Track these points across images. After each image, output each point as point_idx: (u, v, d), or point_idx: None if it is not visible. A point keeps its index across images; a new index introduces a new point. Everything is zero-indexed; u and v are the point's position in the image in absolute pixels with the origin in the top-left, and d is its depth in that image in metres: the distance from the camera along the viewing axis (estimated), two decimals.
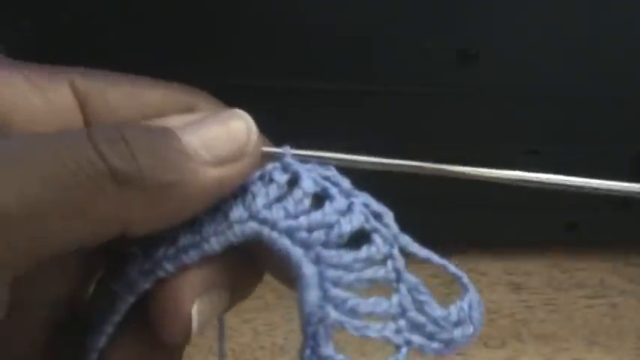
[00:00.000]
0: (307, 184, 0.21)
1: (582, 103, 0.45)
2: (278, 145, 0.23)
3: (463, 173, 0.25)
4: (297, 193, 0.21)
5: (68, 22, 0.39)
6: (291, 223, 0.20)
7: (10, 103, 0.19)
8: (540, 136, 0.47)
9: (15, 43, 0.39)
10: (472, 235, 0.49)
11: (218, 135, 0.20)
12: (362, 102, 0.43)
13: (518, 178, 0.24)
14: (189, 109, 0.22)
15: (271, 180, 0.21)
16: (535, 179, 0.24)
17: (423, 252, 0.22)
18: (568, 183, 0.24)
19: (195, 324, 0.20)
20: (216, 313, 0.22)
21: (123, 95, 0.21)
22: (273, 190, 0.21)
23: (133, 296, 0.21)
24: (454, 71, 0.43)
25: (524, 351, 0.45)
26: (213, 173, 0.19)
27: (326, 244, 0.20)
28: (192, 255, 0.20)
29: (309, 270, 0.20)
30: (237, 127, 0.21)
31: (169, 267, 0.20)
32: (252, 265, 0.23)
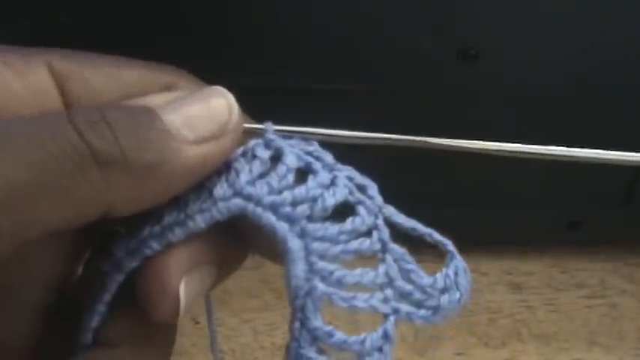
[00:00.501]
0: (290, 160, 0.21)
1: (582, 103, 0.45)
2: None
3: (450, 146, 0.25)
4: (281, 168, 0.21)
5: (68, 22, 0.39)
6: (275, 198, 0.20)
7: None
8: (540, 136, 0.47)
9: (15, 43, 0.39)
10: (472, 235, 0.49)
11: (199, 113, 0.20)
12: (362, 102, 0.43)
13: (510, 149, 0.25)
14: (170, 88, 0.22)
15: (254, 156, 0.21)
16: (526, 150, 0.24)
17: (407, 222, 0.23)
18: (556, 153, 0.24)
19: (182, 301, 0.20)
20: (204, 289, 0.22)
21: (102, 76, 0.21)
22: (257, 167, 0.21)
23: (121, 275, 0.21)
24: (454, 71, 0.43)
25: (525, 351, 0.45)
26: (196, 151, 0.19)
27: (310, 218, 0.20)
28: (178, 233, 0.20)
29: (294, 244, 0.20)
30: (219, 104, 0.21)
31: (155, 245, 0.20)
32: (238, 241, 0.23)
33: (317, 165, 0.22)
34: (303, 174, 0.22)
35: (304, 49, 0.42)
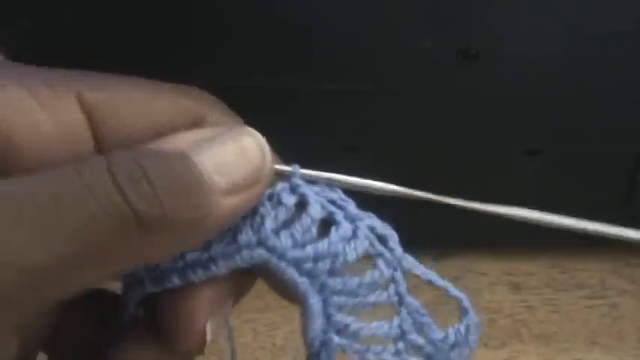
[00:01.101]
0: (314, 211, 0.21)
1: (582, 103, 0.45)
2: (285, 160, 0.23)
3: (478, 209, 0.25)
4: (305, 220, 0.21)
5: (68, 22, 0.39)
6: (298, 253, 0.21)
7: (18, 126, 0.19)
8: (540, 136, 0.47)
9: (15, 43, 0.39)
10: (472, 235, 0.49)
11: (233, 159, 0.20)
12: (362, 102, 0.43)
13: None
14: (200, 120, 0.22)
15: (279, 202, 0.21)
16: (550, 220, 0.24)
17: (426, 274, 0.23)
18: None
19: (209, 336, 0.21)
20: (225, 317, 0.22)
21: (132, 108, 0.20)
22: (282, 213, 0.21)
23: (142, 291, 0.21)
24: (454, 71, 0.43)
25: (525, 351, 0.45)
26: (231, 202, 0.19)
27: (331, 272, 0.21)
28: (200, 274, 0.21)
29: (314, 300, 0.21)
30: (252, 150, 0.20)
31: (177, 280, 0.21)
32: (253, 271, 0.23)
33: (339, 215, 0.22)
34: (325, 222, 0.22)
35: (304, 49, 0.42)
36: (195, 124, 0.21)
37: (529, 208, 0.51)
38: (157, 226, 0.18)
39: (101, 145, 0.20)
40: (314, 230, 0.21)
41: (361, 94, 0.43)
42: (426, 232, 0.48)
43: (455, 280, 0.48)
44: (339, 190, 0.23)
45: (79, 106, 0.19)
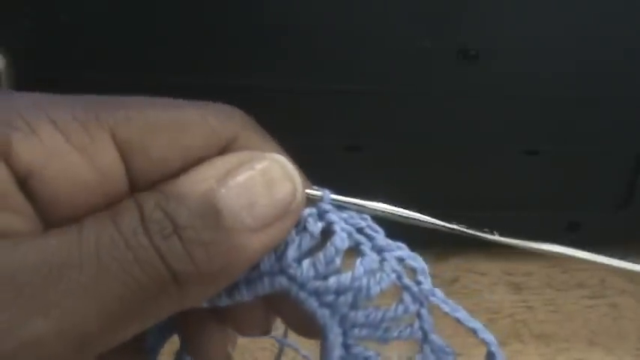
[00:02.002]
0: (340, 241, 0.21)
1: (582, 103, 0.45)
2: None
3: (506, 243, 0.24)
4: (329, 250, 0.20)
5: (68, 22, 0.39)
6: (320, 284, 0.20)
7: (56, 175, 0.19)
8: (540, 136, 0.47)
9: (15, 43, 0.39)
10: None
11: (262, 195, 0.19)
12: (362, 102, 0.43)
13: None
14: (230, 139, 0.21)
15: (305, 228, 0.21)
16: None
17: (455, 310, 0.22)
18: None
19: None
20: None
21: (163, 142, 0.20)
22: (306, 241, 0.20)
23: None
24: (454, 71, 0.43)
25: (525, 351, 0.45)
26: (260, 239, 0.19)
27: (353, 306, 0.20)
28: (225, 300, 0.21)
29: (334, 332, 0.20)
30: (282, 185, 0.20)
31: (205, 304, 0.21)
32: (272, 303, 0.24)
33: (366, 246, 0.21)
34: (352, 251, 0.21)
35: (304, 49, 0.42)
36: (226, 146, 0.21)
37: (530, 208, 0.51)
38: (192, 280, 0.18)
39: (132, 179, 0.20)
40: (338, 261, 0.20)
41: (361, 94, 0.43)
42: (426, 232, 0.48)
43: (455, 280, 0.48)
44: (368, 218, 0.22)
45: (113, 146, 0.19)
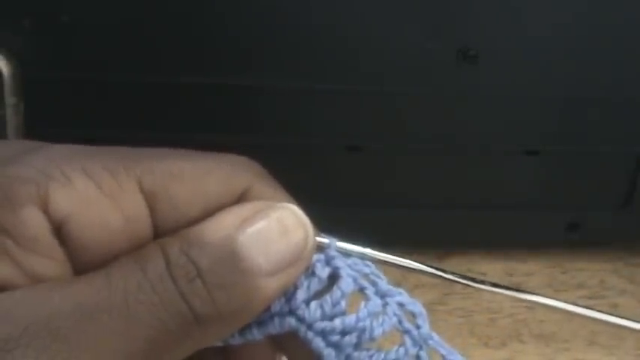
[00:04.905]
0: (346, 285, 0.22)
1: (582, 103, 0.45)
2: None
3: (531, 301, 0.25)
4: (336, 293, 0.22)
5: (68, 22, 0.39)
6: (326, 325, 0.22)
7: (87, 223, 0.20)
8: (540, 137, 0.47)
9: (15, 43, 0.39)
10: (472, 235, 0.49)
11: (276, 241, 0.21)
12: (362, 102, 0.43)
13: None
14: (246, 189, 0.23)
15: (313, 273, 0.22)
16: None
17: (450, 354, 0.23)
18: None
19: None
20: None
21: (186, 191, 0.22)
22: (314, 284, 0.22)
23: None
24: (454, 71, 0.43)
25: (525, 351, 0.45)
26: (274, 282, 0.21)
27: (357, 346, 0.22)
28: (238, 339, 0.22)
29: None
30: (295, 232, 0.21)
31: (218, 343, 0.22)
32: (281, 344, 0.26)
33: (370, 291, 0.23)
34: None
35: (304, 49, 0.42)
36: (242, 194, 0.22)
37: (530, 208, 0.51)
38: (212, 321, 0.20)
39: (155, 223, 0.21)
40: (344, 304, 0.22)
41: (361, 94, 0.43)
42: (426, 232, 0.48)
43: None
44: (372, 265, 0.24)
45: (140, 193, 0.21)
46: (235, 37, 0.41)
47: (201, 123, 0.42)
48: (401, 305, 0.23)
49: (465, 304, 0.46)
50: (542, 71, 0.44)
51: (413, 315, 0.23)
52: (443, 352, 0.23)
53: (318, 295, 0.22)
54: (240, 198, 0.22)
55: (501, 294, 0.25)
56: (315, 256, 0.23)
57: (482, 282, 0.24)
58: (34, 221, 0.19)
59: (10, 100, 0.39)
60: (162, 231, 0.21)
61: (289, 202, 0.23)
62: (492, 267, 0.51)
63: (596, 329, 0.47)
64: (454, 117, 0.45)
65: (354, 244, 0.24)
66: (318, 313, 0.22)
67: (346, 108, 0.43)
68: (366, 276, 0.23)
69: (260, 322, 0.22)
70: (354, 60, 0.42)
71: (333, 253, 0.23)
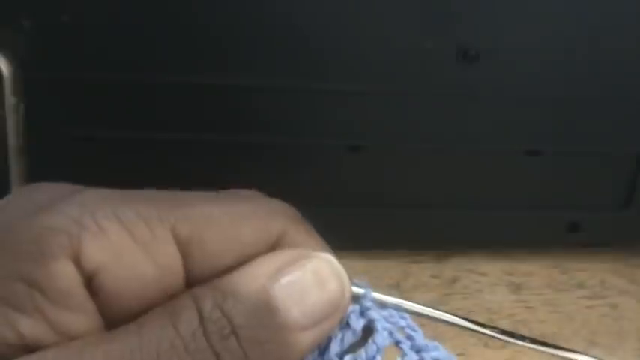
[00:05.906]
0: (381, 339, 0.22)
1: (582, 103, 0.45)
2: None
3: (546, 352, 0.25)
4: (371, 348, 0.21)
5: (68, 22, 0.39)
6: None
7: (121, 273, 0.20)
8: (540, 137, 0.47)
9: (15, 43, 0.39)
10: (472, 235, 0.49)
11: (312, 293, 0.20)
12: (362, 102, 0.43)
13: None
14: (280, 235, 0.22)
15: (348, 324, 0.22)
16: None
17: None
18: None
19: None
20: None
21: (220, 238, 0.21)
22: (348, 337, 0.22)
23: None
24: (454, 71, 0.43)
25: (525, 351, 0.45)
26: (309, 336, 0.20)
27: None
28: None
29: None
30: (331, 284, 0.21)
31: None
32: None
33: (406, 345, 0.22)
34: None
35: (304, 48, 0.42)
36: (276, 241, 0.22)
37: (529, 209, 0.51)
38: None
39: (188, 271, 0.21)
40: (379, 358, 0.21)
41: (361, 94, 0.43)
42: (426, 232, 0.48)
43: (455, 280, 0.48)
44: (408, 317, 0.23)
45: (173, 241, 0.20)
46: (236, 37, 0.41)
47: (201, 123, 0.42)
48: None
49: (465, 304, 0.46)
50: (542, 71, 0.44)
51: None
52: None
53: (353, 347, 0.22)
54: (275, 244, 0.22)
55: (543, 351, 0.25)
56: (350, 307, 0.22)
57: (522, 337, 0.24)
58: (65, 274, 0.19)
59: (10, 100, 0.39)
60: (194, 278, 0.21)
61: (324, 248, 0.22)
62: (492, 267, 0.51)
63: (596, 329, 0.47)
64: (454, 117, 0.45)
65: (388, 295, 0.23)
66: None
67: (346, 108, 0.43)
68: (401, 329, 0.23)
69: None
70: (354, 60, 0.42)
71: (368, 303, 0.22)
